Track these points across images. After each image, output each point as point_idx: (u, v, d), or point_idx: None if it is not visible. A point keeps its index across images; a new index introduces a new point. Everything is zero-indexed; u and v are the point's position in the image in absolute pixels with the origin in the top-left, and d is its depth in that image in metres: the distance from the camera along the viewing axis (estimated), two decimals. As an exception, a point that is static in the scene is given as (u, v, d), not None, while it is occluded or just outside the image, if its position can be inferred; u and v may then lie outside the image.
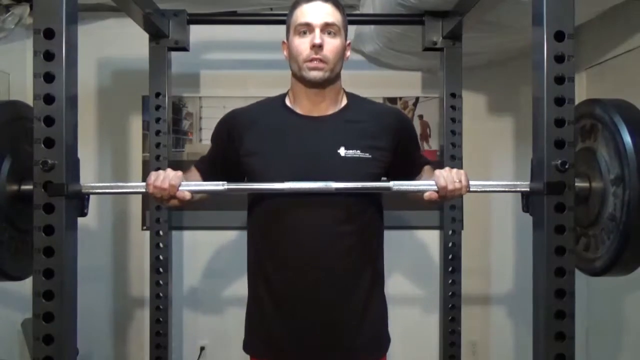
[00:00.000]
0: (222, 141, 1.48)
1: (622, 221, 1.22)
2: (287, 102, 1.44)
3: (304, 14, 1.33)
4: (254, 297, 1.49)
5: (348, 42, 1.41)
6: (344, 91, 1.46)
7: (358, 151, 1.35)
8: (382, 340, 1.48)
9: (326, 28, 1.33)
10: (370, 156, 1.36)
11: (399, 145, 1.44)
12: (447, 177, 1.30)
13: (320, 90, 1.38)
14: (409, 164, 1.52)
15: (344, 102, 1.44)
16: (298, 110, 1.41)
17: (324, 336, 1.37)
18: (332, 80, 1.37)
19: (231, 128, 1.45)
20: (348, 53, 1.42)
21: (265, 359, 1.47)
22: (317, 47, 1.31)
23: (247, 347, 1.53)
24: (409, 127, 1.55)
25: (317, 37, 1.31)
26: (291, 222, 1.36)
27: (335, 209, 1.36)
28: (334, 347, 1.38)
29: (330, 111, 1.40)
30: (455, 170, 1.33)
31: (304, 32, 1.33)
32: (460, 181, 1.30)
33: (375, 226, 1.46)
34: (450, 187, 1.30)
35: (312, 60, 1.32)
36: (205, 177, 1.50)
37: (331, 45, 1.33)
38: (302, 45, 1.33)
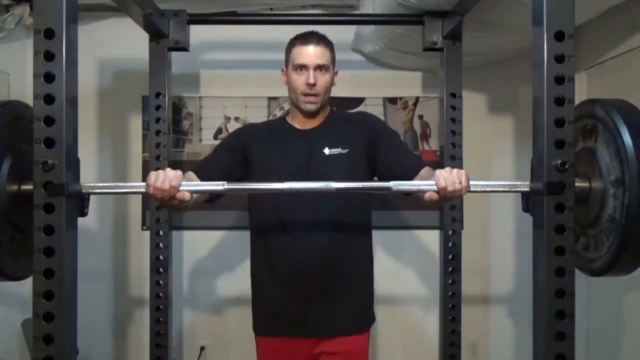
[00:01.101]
0: (237, 143, 1.71)
1: (621, 224, 1.22)
2: (288, 119, 1.75)
3: (301, 55, 1.63)
4: (256, 280, 1.71)
5: (336, 70, 1.71)
6: (329, 106, 1.75)
7: (339, 148, 1.64)
8: (367, 317, 1.72)
9: (318, 68, 1.63)
10: (349, 150, 1.64)
11: (372, 138, 1.65)
12: (448, 177, 1.30)
13: (313, 114, 1.69)
14: (396, 160, 1.61)
15: (326, 115, 1.73)
16: (295, 125, 1.72)
17: (315, 312, 1.61)
18: (322, 107, 1.69)
19: (247, 134, 1.75)
20: (336, 78, 1.72)
21: (269, 336, 1.67)
22: (311, 85, 1.62)
23: (254, 327, 1.73)
24: (375, 120, 1.79)
25: (311, 77, 1.61)
26: (289, 212, 1.60)
27: (327, 201, 1.59)
28: (322, 320, 1.62)
29: (318, 124, 1.71)
30: (455, 170, 1.32)
31: (301, 70, 1.63)
32: (460, 182, 1.30)
33: (364, 218, 1.70)
34: (450, 187, 1.30)
35: (307, 95, 1.63)
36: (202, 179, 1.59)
37: (322, 80, 1.64)
38: (299, 81, 1.64)
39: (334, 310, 1.63)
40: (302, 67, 1.62)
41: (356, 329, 1.67)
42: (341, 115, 1.83)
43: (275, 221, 1.62)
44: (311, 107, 1.65)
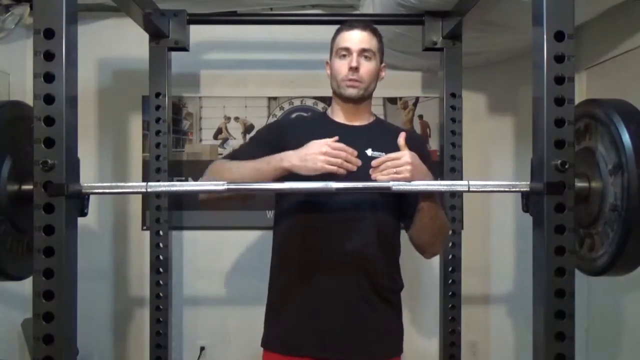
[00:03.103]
0: (270, 137, 1.61)
1: (624, 207, 1.21)
2: (328, 113, 1.66)
3: (344, 39, 1.55)
4: (279, 292, 1.58)
5: (383, 64, 1.61)
6: (374, 114, 1.68)
7: (383, 153, 1.46)
8: (397, 344, 1.59)
9: (362, 53, 1.53)
10: None
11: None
12: (389, 164, 1.35)
13: (355, 105, 1.59)
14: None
15: (373, 119, 1.66)
16: (336, 120, 1.62)
17: (343, 333, 1.49)
18: (365, 97, 1.59)
19: (282, 128, 1.67)
20: (383, 74, 1.62)
21: (286, 354, 1.52)
22: (354, 70, 1.52)
23: (267, 342, 1.59)
24: (424, 145, 1.75)
25: (354, 60, 1.52)
26: (322, 224, 1.51)
27: (361, 215, 1.51)
28: (350, 343, 1.49)
29: (362, 123, 1.62)
30: (401, 160, 1.35)
31: (344, 55, 1.54)
32: (395, 173, 1.34)
33: (396, 236, 1.61)
34: (380, 175, 1.35)
35: (349, 80, 1.53)
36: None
37: (366, 67, 1.54)
38: (342, 66, 1.54)
39: (364, 333, 1.51)
40: (345, 51, 1.53)
41: (385, 355, 1.55)
42: (389, 124, 1.77)
43: (305, 235, 1.52)
44: (352, 92, 1.54)
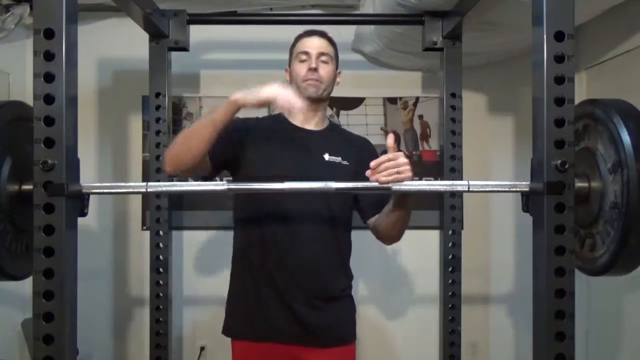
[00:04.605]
0: (238, 130, 1.62)
1: (624, 203, 1.21)
2: (286, 115, 1.70)
3: (304, 45, 1.66)
4: (239, 282, 1.65)
5: (338, 71, 1.72)
6: (328, 118, 1.77)
7: (339, 158, 1.63)
8: (346, 332, 1.66)
9: (321, 56, 1.64)
10: (348, 164, 1.63)
11: (362, 163, 1.47)
12: (388, 165, 1.34)
13: (313, 106, 1.65)
14: (372, 195, 1.61)
15: (327, 123, 1.74)
16: (294, 122, 1.68)
17: (296, 316, 1.56)
18: (323, 98, 1.67)
19: (247, 126, 1.67)
20: (338, 79, 1.72)
21: (249, 340, 1.60)
22: (313, 70, 1.62)
23: (229, 330, 1.66)
24: (374, 152, 1.71)
25: (313, 62, 1.62)
26: (277, 214, 1.57)
27: (316, 208, 1.58)
28: (310, 329, 1.57)
29: (318, 128, 1.69)
30: (396, 161, 1.34)
31: (304, 60, 1.64)
32: (396, 173, 1.33)
33: (349, 233, 1.68)
34: (385, 179, 1.34)
35: (309, 79, 1.62)
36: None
37: (324, 69, 1.64)
38: (302, 68, 1.64)
39: (322, 319, 1.58)
40: (305, 55, 1.63)
41: (344, 339, 1.63)
42: (343, 130, 1.87)
43: (261, 224, 1.58)
44: (312, 91, 1.61)
